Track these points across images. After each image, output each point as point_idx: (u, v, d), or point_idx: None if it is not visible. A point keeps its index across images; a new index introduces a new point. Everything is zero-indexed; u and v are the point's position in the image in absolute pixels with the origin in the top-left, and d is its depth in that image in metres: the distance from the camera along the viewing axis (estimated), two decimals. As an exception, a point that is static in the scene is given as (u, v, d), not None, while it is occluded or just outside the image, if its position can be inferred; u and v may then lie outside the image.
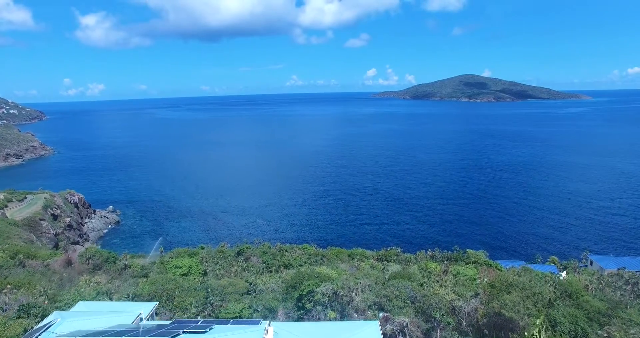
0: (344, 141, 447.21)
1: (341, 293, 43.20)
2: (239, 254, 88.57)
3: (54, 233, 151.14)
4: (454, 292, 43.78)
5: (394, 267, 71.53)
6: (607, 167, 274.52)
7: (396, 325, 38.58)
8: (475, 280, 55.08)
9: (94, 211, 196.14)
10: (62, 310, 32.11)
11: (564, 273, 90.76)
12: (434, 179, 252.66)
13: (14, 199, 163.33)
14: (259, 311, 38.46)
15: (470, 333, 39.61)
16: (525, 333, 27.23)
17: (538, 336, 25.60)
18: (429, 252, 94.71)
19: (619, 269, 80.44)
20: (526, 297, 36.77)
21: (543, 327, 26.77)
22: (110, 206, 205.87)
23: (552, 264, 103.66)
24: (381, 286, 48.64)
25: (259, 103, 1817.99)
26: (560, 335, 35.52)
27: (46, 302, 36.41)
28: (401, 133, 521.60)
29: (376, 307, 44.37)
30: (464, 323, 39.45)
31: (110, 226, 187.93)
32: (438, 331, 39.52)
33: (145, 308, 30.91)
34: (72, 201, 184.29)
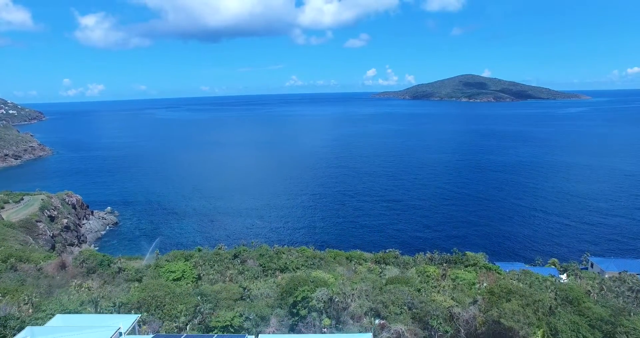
0: (343, 141, 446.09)
1: (336, 300, 42.16)
2: (235, 256, 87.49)
3: (51, 234, 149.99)
4: (452, 298, 42.76)
5: (392, 271, 70.49)
6: (607, 167, 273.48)
7: (392, 333, 37.57)
8: (474, 284, 54.07)
9: (92, 212, 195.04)
10: (38, 323, 30.89)
11: (564, 276, 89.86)
12: (433, 180, 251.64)
13: (10, 201, 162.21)
14: (250, 319, 37.45)
15: (468, 342, 38.66)
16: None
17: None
18: (428, 254, 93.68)
19: (620, 272, 79.32)
20: (526, 304, 35.67)
21: (544, 338, 25.82)
22: (109, 208, 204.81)
23: (552, 266, 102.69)
24: (378, 291, 47.61)
25: (258, 103, 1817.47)
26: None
27: (30, 311, 35.36)
28: (400, 133, 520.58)
29: (373, 312, 43.32)
30: (462, 331, 38.37)
31: (108, 227, 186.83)
32: (435, 339, 38.59)
33: (126, 321, 29.63)
34: (69, 203, 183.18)
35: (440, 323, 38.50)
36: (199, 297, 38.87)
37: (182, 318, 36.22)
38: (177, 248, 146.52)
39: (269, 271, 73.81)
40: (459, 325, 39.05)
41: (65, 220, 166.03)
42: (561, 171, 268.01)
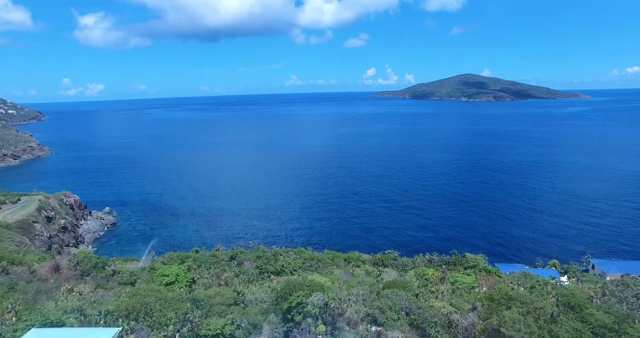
0: (342, 141, 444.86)
1: (332, 305, 41.05)
2: (232, 258, 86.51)
3: (48, 235, 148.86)
4: (450, 304, 41.64)
5: (390, 273, 69.39)
6: (608, 167, 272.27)
7: (389, 340, 36.53)
8: (473, 288, 52.98)
9: (90, 212, 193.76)
10: (14, 338, 29.75)
11: (565, 278, 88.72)
12: (432, 180, 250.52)
13: (7, 201, 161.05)
14: (242, 327, 36.35)
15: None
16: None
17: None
18: (427, 256, 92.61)
19: (622, 275, 78.18)
20: (527, 312, 34.58)
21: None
22: (107, 208, 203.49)
23: (552, 268, 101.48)
24: (375, 296, 46.51)
25: (258, 103, 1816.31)
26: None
27: (14, 319, 34.19)
28: (400, 132, 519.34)
29: (369, 318, 42.22)
30: (461, 339, 37.30)
31: (106, 227, 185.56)
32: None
33: (105, 336, 28.26)
34: (67, 203, 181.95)
35: (438, 330, 37.41)
36: (189, 304, 37.68)
37: (171, 327, 35.09)
38: (176, 249, 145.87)
39: (266, 274, 72.63)
40: (458, 333, 37.90)
41: (63, 221, 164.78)
42: (561, 171, 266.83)
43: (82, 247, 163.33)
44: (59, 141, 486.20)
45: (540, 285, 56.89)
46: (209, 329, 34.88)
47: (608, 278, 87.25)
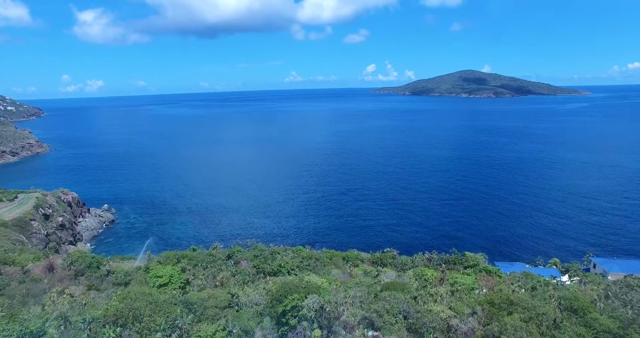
0: (341, 137, 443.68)
1: (328, 309, 39.97)
2: (229, 257, 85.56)
3: (45, 233, 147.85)
4: (449, 308, 40.59)
5: (389, 273, 68.36)
6: (609, 164, 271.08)
7: (386, 346, 35.51)
8: (473, 289, 51.98)
9: (89, 210, 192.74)
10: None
11: (565, 277, 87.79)
12: (432, 177, 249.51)
13: (4, 199, 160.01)
14: (233, 333, 35.28)
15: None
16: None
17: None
18: (426, 255, 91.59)
19: (626, 276, 77.14)
20: (529, 318, 33.56)
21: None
22: (105, 205, 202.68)
23: (553, 266, 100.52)
24: (372, 298, 45.49)
25: (258, 99, 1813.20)
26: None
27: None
28: (400, 129, 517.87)
29: (366, 321, 41.18)
30: (460, 345, 36.23)
31: (104, 225, 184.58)
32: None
33: None
34: (65, 200, 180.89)
35: (437, 336, 36.37)
36: (179, 310, 36.59)
37: (159, 334, 33.95)
38: (174, 246, 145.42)
39: (262, 273, 71.62)
40: (457, 338, 36.91)
41: (61, 218, 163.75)
42: (561, 168, 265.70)
43: (80, 245, 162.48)
44: (58, 138, 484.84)
45: (541, 285, 55.96)
46: (199, 336, 33.79)
47: (609, 277, 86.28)
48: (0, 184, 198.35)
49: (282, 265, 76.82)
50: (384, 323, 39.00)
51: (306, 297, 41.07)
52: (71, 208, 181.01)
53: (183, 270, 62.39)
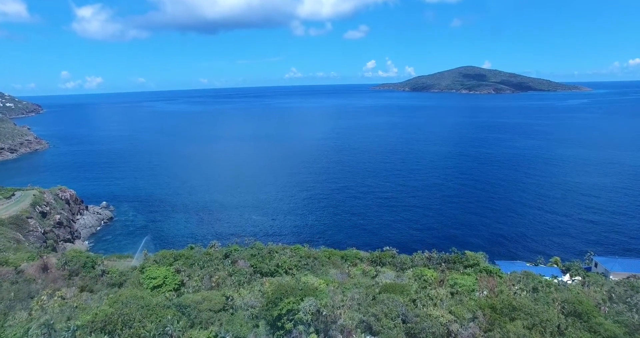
0: (341, 134, 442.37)
1: (324, 313, 38.90)
2: (226, 256, 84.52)
3: (42, 231, 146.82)
4: (450, 312, 39.51)
5: (388, 274, 67.29)
6: (608, 161, 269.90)
7: (384, 351, 34.45)
8: (473, 291, 50.95)
9: (87, 207, 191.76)
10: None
11: (567, 276, 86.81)
12: (432, 175, 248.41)
13: (1, 197, 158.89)
14: (226, 340, 34.30)
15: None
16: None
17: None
18: (426, 253, 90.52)
19: (629, 277, 76.05)
20: (533, 325, 32.47)
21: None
22: (104, 202, 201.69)
23: (554, 265, 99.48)
24: (370, 301, 44.42)
25: (257, 96, 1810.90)
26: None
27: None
28: (399, 125, 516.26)
29: (364, 325, 40.13)
30: (461, 351, 35.13)
31: (103, 222, 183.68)
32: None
33: None
34: (63, 198, 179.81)
35: (437, 343, 35.33)
36: (169, 316, 35.46)
37: (146, 344, 32.83)
38: (172, 244, 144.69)
39: (259, 274, 70.56)
40: (457, 343, 35.79)
41: (58, 216, 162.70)
42: (562, 165, 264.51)
43: (78, 243, 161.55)
44: (57, 135, 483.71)
45: (543, 287, 54.93)
46: (191, 343, 32.86)
47: (611, 277, 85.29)
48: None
49: (280, 264, 75.80)
50: (382, 327, 37.95)
51: (302, 300, 40.05)
52: (69, 206, 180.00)
53: (177, 272, 61.21)
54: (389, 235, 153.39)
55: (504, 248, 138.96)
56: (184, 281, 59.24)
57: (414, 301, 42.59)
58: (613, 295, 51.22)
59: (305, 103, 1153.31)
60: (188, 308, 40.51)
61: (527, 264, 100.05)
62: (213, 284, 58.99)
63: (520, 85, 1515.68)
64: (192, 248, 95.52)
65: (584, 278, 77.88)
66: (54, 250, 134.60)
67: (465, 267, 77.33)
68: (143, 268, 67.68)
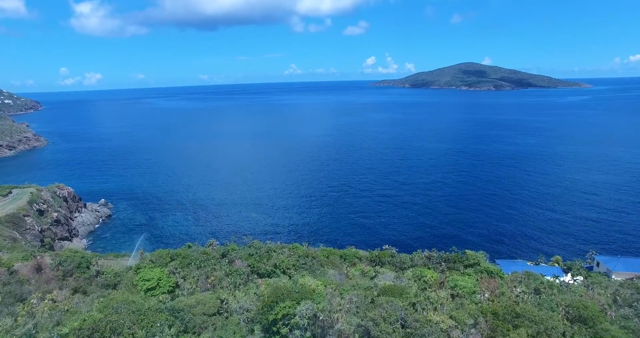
0: (341, 131, 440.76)
1: (321, 317, 37.77)
2: (223, 256, 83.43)
3: (39, 229, 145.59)
4: (450, 317, 38.34)
5: (387, 274, 66.12)
6: (609, 158, 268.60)
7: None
8: (474, 292, 49.83)
9: (85, 204, 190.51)
10: None
11: (569, 276, 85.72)
12: (431, 172, 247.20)
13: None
14: (218, 348, 33.19)
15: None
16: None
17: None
18: (426, 253, 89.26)
19: (633, 278, 74.92)
20: (537, 333, 31.32)
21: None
22: (102, 200, 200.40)
23: (555, 265, 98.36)
24: (369, 304, 43.29)
25: (257, 92, 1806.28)
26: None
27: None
28: (399, 122, 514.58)
29: (362, 330, 38.98)
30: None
31: (101, 220, 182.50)
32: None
33: None
34: (60, 195, 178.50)
35: (437, 349, 34.18)
36: (158, 324, 34.34)
37: (136, 351, 31.72)
38: (170, 242, 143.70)
39: (257, 274, 69.43)
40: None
41: (56, 214, 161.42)
42: (562, 162, 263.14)
43: (76, 240, 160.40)
44: (55, 131, 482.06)
45: (545, 288, 53.84)
46: (181, 352, 31.75)
47: (614, 277, 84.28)
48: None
49: (278, 264, 74.69)
50: (380, 332, 36.79)
51: (299, 304, 38.95)
52: (67, 203, 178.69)
53: (172, 273, 60.01)
54: (388, 233, 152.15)
55: (505, 246, 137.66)
56: (179, 283, 58.04)
57: (413, 305, 41.45)
58: (618, 297, 50.15)
59: (305, 100, 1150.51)
60: (181, 312, 39.39)
61: (528, 263, 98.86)
62: (209, 285, 57.84)
63: (521, 81, 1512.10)
64: (189, 246, 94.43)
65: (586, 278, 76.75)
66: (51, 248, 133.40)
67: (466, 267, 76.16)
68: (138, 269, 66.54)
